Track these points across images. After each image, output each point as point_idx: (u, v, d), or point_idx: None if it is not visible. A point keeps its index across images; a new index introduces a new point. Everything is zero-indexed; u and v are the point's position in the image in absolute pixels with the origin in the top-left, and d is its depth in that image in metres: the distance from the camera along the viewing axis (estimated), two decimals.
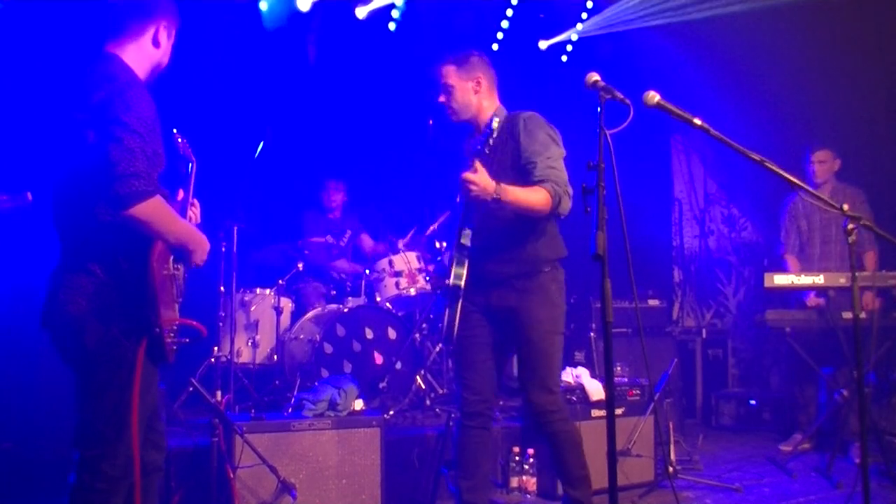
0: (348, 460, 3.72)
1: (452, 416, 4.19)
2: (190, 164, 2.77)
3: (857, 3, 5.43)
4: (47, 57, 4.62)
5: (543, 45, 7.18)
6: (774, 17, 5.84)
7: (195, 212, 2.67)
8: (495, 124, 3.12)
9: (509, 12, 6.85)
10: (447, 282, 3.18)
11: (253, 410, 4.16)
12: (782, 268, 5.29)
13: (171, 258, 2.37)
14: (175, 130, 2.79)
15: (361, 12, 6.36)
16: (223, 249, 4.88)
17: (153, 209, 2.22)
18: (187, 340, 2.36)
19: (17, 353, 4.20)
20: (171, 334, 2.32)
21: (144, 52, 2.44)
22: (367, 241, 6.28)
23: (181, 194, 2.64)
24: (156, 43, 2.46)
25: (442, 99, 3.33)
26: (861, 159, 5.58)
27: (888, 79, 5.74)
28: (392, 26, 6.66)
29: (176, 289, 2.41)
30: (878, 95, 5.84)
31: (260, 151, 4.85)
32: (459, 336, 3.20)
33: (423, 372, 5.23)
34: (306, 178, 6.22)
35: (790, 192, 2.76)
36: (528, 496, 4.07)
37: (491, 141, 3.11)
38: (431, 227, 5.60)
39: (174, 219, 2.33)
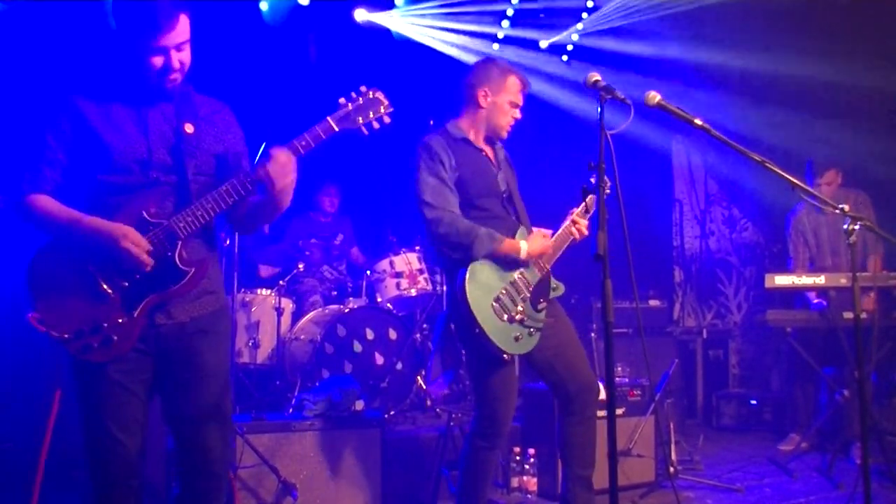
0: (349, 461, 3.72)
1: (453, 417, 4.20)
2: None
3: (858, 5, 5.43)
4: (45, 57, 4.63)
5: (544, 44, 7.18)
6: (777, 18, 5.84)
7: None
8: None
9: (510, 12, 6.84)
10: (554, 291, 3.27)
11: (254, 411, 4.15)
12: None
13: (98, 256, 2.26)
14: None
15: (360, 16, 6.36)
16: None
17: (15, 212, 2.29)
18: (66, 336, 2.21)
19: (17, 353, 4.20)
20: (66, 333, 2.21)
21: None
22: (357, 255, 6.29)
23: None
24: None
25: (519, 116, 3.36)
26: (862, 162, 5.58)
27: (889, 80, 5.73)
28: None
29: (97, 287, 2.25)
30: (880, 97, 5.83)
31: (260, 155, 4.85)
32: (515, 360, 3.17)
33: (423, 372, 5.22)
34: (304, 178, 6.22)
35: (791, 191, 2.74)
36: (529, 496, 4.07)
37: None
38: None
39: (49, 218, 2.26)
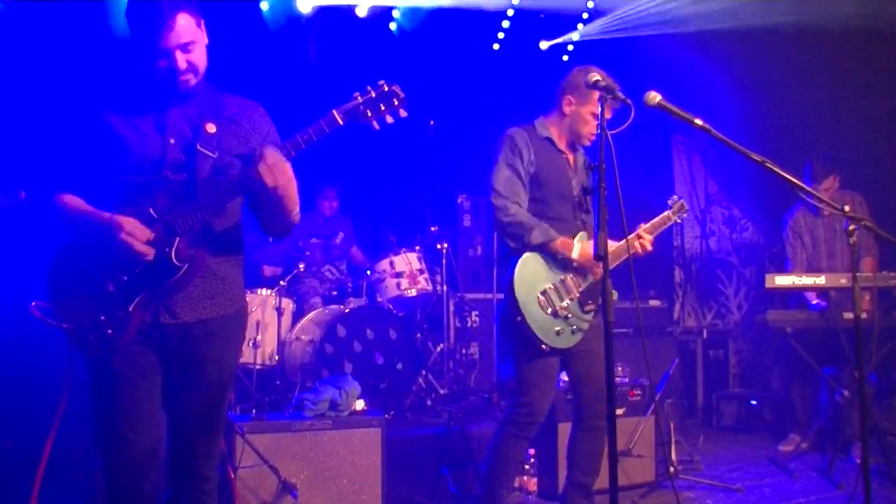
0: (349, 460, 3.72)
1: (454, 417, 4.20)
2: None
3: (860, 11, 5.43)
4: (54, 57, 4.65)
5: (544, 45, 7.18)
6: (779, 19, 5.84)
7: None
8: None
9: (510, 12, 6.84)
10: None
11: (254, 411, 4.15)
12: None
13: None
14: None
15: (362, 10, 6.37)
16: None
17: (45, 210, 2.35)
18: (65, 325, 2.25)
19: (18, 353, 4.21)
20: (65, 323, 2.25)
21: None
22: (357, 254, 6.31)
23: None
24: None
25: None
26: (861, 164, 5.59)
27: (889, 82, 5.73)
28: (393, 26, 6.67)
29: (100, 281, 2.27)
30: (880, 99, 5.84)
31: None
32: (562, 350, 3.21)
33: (424, 372, 5.23)
34: (303, 177, 6.21)
35: (791, 192, 2.74)
36: (529, 496, 4.07)
37: None
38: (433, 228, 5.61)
39: (73, 214, 2.31)
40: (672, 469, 4.31)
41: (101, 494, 2.32)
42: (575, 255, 3.20)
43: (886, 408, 5.02)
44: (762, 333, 6.85)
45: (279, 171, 2.24)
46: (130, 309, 2.27)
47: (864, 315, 4.00)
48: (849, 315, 4.62)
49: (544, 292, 3.18)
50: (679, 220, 3.62)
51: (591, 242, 3.18)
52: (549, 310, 3.16)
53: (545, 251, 3.21)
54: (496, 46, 6.99)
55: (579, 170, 3.41)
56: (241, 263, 2.56)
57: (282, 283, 5.35)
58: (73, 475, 3.63)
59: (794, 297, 5.30)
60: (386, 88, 2.33)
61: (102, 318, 2.24)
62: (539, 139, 3.34)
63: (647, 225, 3.38)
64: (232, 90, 2.56)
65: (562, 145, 3.37)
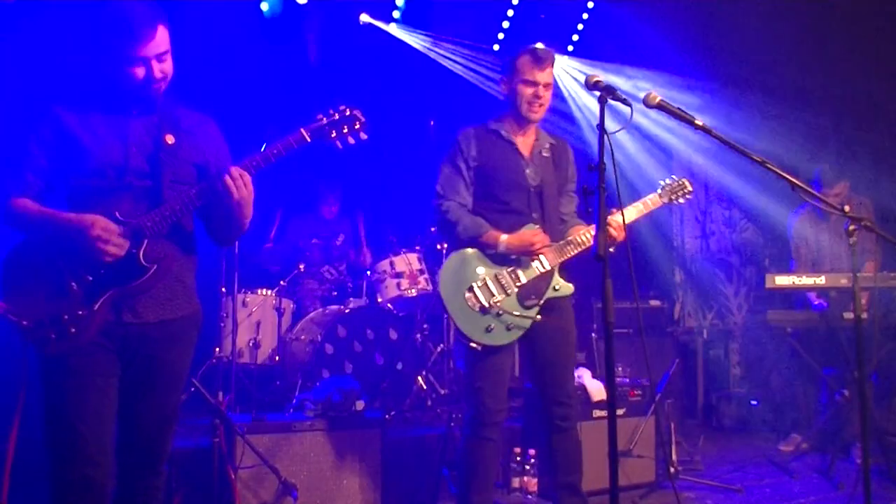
0: (349, 461, 3.72)
1: (454, 417, 4.20)
2: None
3: (863, 9, 5.43)
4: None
5: (540, 46, 7.16)
6: (782, 19, 5.84)
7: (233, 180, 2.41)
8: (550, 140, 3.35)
9: (510, 12, 6.84)
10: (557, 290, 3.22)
11: (254, 411, 4.15)
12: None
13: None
14: None
15: (363, 18, 6.37)
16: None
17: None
18: (25, 323, 2.27)
19: (18, 353, 4.19)
20: (25, 321, 2.27)
21: None
22: (366, 255, 6.27)
23: None
24: None
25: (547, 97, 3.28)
26: (865, 165, 5.59)
27: (891, 81, 5.73)
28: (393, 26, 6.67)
29: (62, 281, 2.30)
30: (882, 99, 5.84)
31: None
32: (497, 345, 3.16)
33: (424, 373, 5.22)
34: (305, 178, 6.21)
35: (791, 192, 2.74)
36: (530, 496, 4.07)
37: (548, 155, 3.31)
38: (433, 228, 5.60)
39: (29, 219, 2.33)
40: (672, 469, 4.31)
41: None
42: (501, 248, 3.13)
43: (886, 408, 5.01)
44: (762, 333, 6.85)
45: (241, 185, 2.39)
46: (95, 308, 2.31)
47: (864, 316, 4.01)
48: (849, 315, 4.62)
49: (471, 288, 3.12)
50: (678, 202, 3.38)
51: (522, 231, 3.15)
52: (478, 306, 3.10)
53: (478, 246, 3.17)
54: (496, 47, 6.98)
55: (536, 157, 3.30)
56: (194, 267, 2.62)
57: (282, 282, 5.34)
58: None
59: (797, 297, 5.30)
60: (347, 113, 2.54)
61: (65, 317, 2.28)
62: (486, 132, 3.29)
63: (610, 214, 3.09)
64: (229, 90, 2.58)
65: (513, 134, 3.29)
